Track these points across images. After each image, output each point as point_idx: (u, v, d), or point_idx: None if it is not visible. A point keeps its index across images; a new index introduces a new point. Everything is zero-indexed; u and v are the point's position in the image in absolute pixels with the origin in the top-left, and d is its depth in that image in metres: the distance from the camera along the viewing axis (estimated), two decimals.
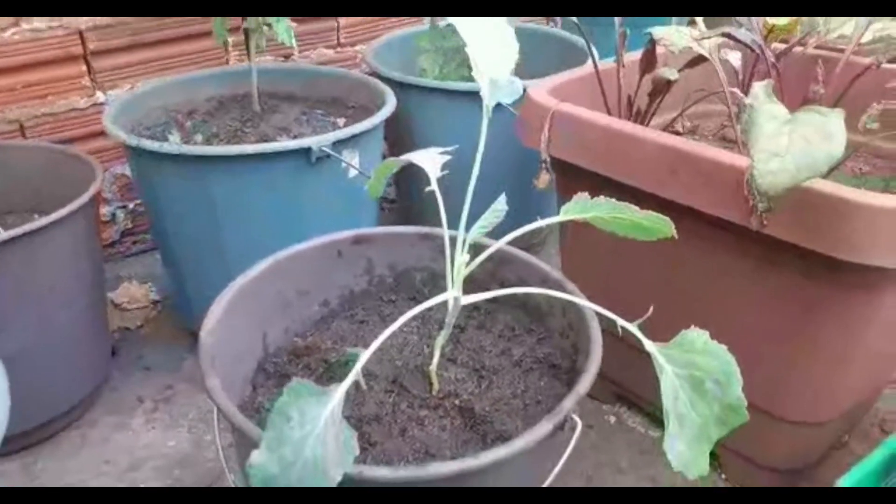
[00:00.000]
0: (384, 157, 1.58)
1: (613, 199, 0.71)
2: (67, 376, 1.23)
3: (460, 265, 0.75)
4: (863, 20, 1.06)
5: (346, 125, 1.40)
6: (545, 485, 0.72)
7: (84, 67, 1.56)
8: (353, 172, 1.27)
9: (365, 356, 0.66)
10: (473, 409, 0.84)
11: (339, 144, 1.22)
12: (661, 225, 0.68)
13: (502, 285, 1.00)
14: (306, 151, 1.19)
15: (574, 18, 1.17)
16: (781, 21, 1.08)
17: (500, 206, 0.72)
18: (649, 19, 1.20)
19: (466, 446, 0.81)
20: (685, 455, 0.69)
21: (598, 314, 0.80)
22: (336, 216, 1.31)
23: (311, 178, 1.24)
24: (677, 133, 1.34)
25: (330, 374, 0.92)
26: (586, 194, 0.69)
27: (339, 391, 0.63)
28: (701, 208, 0.92)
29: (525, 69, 1.62)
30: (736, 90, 1.09)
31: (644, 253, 0.94)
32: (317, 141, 1.19)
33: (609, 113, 1.17)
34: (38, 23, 1.47)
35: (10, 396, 0.70)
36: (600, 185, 1.04)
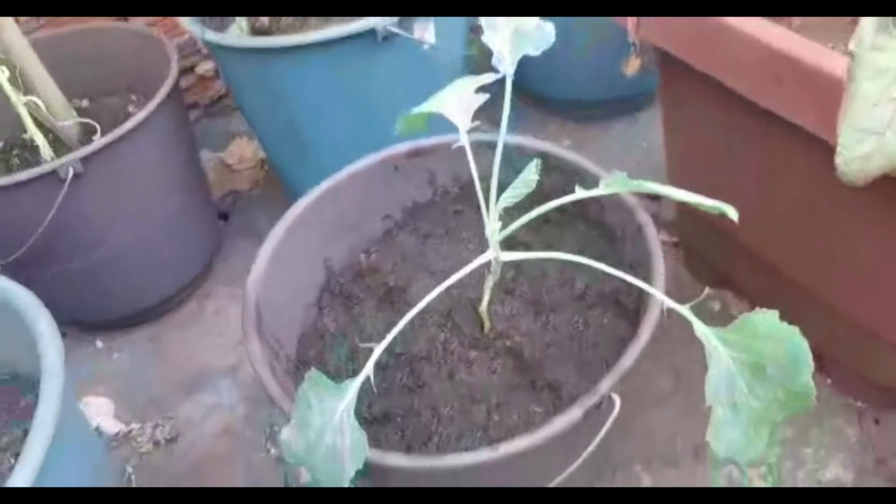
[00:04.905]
0: None
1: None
2: (176, 259, 1.32)
3: (494, 230, 0.69)
4: None
5: None
6: (576, 465, 0.70)
7: None
8: (426, 46, 1.16)
9: (378, 350, 0.64)
10: (523, 353, 0.82)
11: (405, 21, 1.10)
12: (721, 210, 0.57)
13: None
14: (371, 32, 1.09)
15: None
16: None
17: (531, 175, 0.63)
18: None
19: (513, 393, 0.80)
20: (739, 442, 0.64)
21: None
22: (415, 90, 1.23)
23: (383, 54, 1.14)
24: None
25: (390, 298, 0.92)
26: (624, 174, 0.58)
27: (353, 388, 0.63)
28: (807, 127, 0.75)
29: None
30: None
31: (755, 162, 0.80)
32: (380, 21, 1.08)
33: None
34: None
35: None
36: (699, 80, 0.87)
